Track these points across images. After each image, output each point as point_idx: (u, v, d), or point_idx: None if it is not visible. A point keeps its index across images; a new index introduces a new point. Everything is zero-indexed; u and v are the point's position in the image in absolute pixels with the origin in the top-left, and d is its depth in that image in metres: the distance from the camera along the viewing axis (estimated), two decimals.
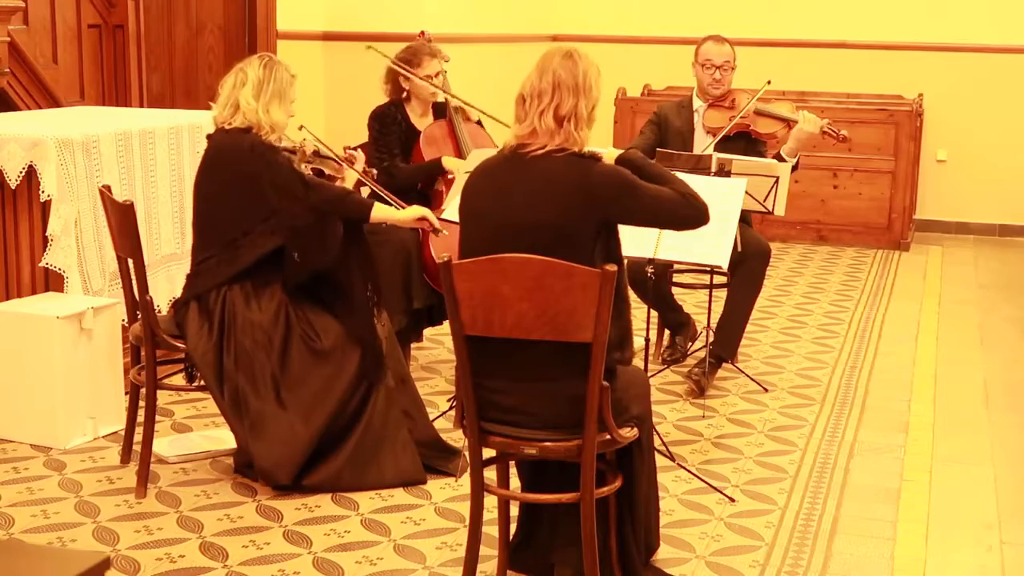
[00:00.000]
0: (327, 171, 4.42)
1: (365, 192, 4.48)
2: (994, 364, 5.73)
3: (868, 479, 4.27)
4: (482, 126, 5.38)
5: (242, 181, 3.91)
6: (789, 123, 5.30)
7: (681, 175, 4.27)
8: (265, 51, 6.92)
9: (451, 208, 4.45)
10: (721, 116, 5.35)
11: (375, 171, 4.75)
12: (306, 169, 4.22)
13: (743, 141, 5.25)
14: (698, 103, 5.45)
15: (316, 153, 4.38)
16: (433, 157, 5.13)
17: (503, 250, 2.98)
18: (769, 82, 5.45)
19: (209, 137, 4.06)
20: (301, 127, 4.45)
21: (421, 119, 5.22)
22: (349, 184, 4.39)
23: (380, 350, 4.02)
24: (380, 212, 4.15)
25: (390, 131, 5.09)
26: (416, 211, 4.30)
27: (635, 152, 3.39)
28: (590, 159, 3.12)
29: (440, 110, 5.29)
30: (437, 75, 5.15)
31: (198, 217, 4.05)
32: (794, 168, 5.16)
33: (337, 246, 4.06)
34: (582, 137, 3.12)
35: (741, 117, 5.27)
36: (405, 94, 5.20)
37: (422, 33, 5.47)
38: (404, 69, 5.10)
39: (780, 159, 5.14)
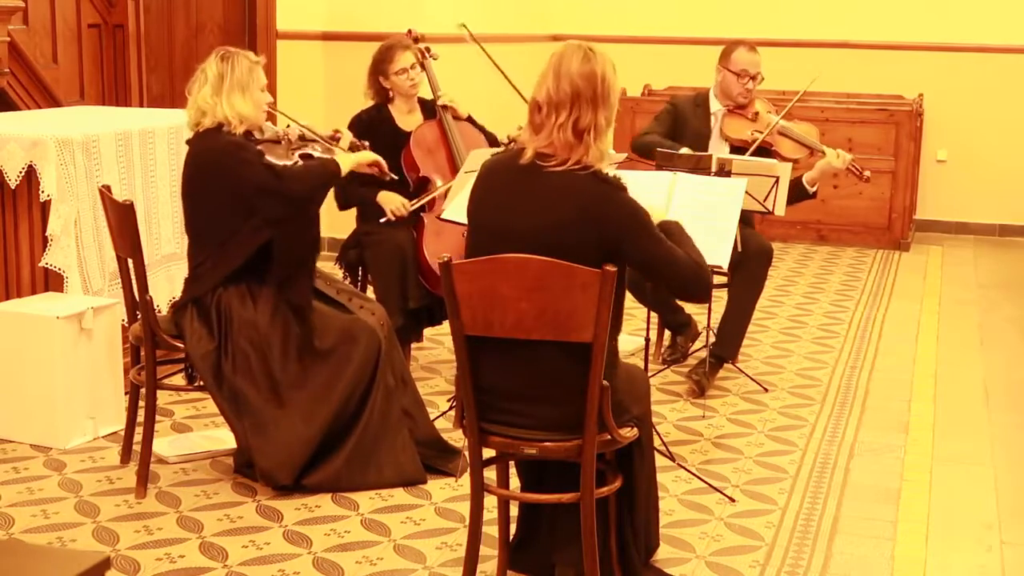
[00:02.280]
0: (316, 153, 4.43)
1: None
2: (994, 364, 5.73)
3: (868, 479, 4.27)
4: (473, 121, 5.34)
5: (221, 183, 3.90)
6: (814, 152, 5.27)
7: (681, 175, 4.29)
8: (264, 51, 6.94)
9: (451, 208, 4.45)
10: (742, 126, 5.30)
11: (366, 143, 4.75)
12: (293, 156, 4.21)
13: (759, 156, 5.19)
14: (716, 106, 5.40)
15: (302, 138, 4.37)
16: (424, 160, 5.09)
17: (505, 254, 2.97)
18: (815, 79, 5.42)
19: (188, 143, 4.05)
20: (288, 126, 4.45)
21: (408, 117, 5.20)
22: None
23: (311, 319, 3.97)
24: (344, 162, 4.20)
25: (366, 138, 5.04)
26: (370, 155, 4.38)
27: (677, 223, 3.33)
28: (614, 185, 3.03)
29: (429, 109, 5.27)
30: (413, 67, 5.12)
31: (189, 223, 4.06)
32: (812, 196, 5.14)
33: (316, 230, 4.08)
34: (601, 147, 3.04)
35: (767, 136, 5.23)
36: (389, 94, 5.18)
37: (409, 32, 5.44)
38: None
39: (799, 185, 5.11)
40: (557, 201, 3.01)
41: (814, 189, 5.17)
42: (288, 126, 4.40)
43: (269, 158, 4.04)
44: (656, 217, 3.28)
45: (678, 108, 5.44)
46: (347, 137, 4.55)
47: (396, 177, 4.58)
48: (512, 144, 3.16)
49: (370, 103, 5.23)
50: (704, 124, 5.36)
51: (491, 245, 3.03)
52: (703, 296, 3.24)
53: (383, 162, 4.42)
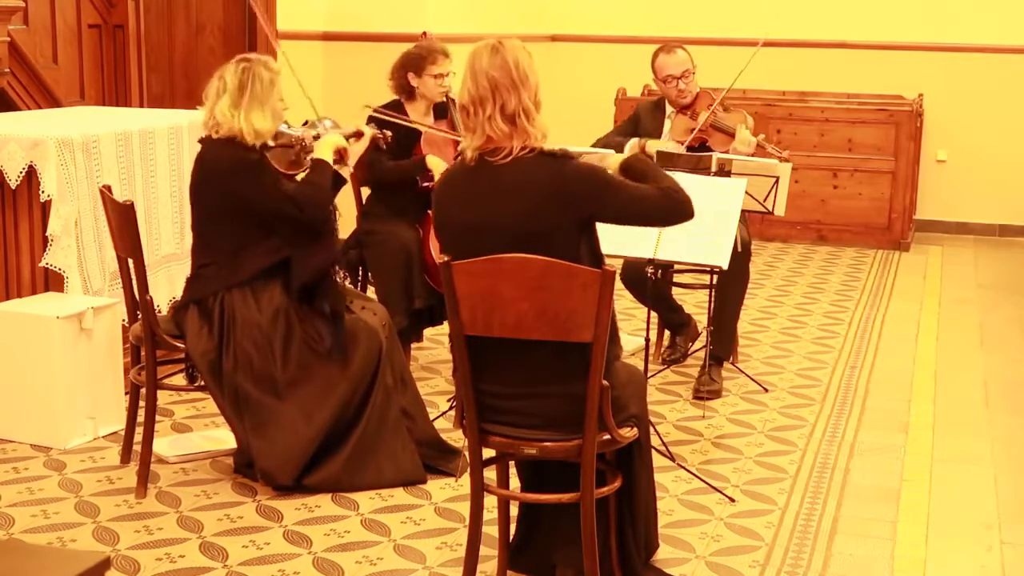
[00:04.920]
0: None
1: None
2: (994, 364, 5.73)
3: (868, 479, 4.27)
4: None
5: (234, 201, 3.90)
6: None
7: (680, 175, 4.29)
8: (264, 51, 6.93)
9: None
10: (686, 126, 5.34)
11: (388, 132, 4.73)
12: (306, 161, 4.20)
13: (705, 152, 5.22)
14: (670, 109, 5.48)
15: (317, 139, 4.37)
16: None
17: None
18: (761, 44, 5.37)
19: (200, 141, 4.05)
20: (306, 122, 4.43)
21: (423, 118, 5.21)
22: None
23: (345, 327, 3.98)
24: (324, 154, 4.10)
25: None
26: (339, 141, 4.24)
27: (639, 157, 3.37)
28: (563, 157, 3.08)
29: (441, 110, 5.28)
30: (448, 75, 5.14)
31: (196, 222, 4.05)
32: None
33: (335, 246, 4.08)
34: (538, 128, 3.08)
35: (700, 131, 5.26)
36: (414, 92, 5.17)
37: (424, 34, 5.47)
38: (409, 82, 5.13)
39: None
40: (517, 191, 3.04)
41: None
42: (306, 122, 4.38)
43: (277, 167, 4.04)
44: (614, 162, 3.32)
45: (638, 112, 5.54)
46: (368, 133, 4.51)
47: (350, 169, 4.44)
48: (459, 156, 3.20)
49: (387, 97, 5.23)
50: (658, 125, 5.42)
51: (464, 247, 3.03)
52: (686, 215, 3.23)
53: (347, 148, 4.28)
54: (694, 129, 5.26)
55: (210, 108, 3.95)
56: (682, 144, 5.26)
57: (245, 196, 3.88)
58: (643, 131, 5.40)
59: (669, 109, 5.46)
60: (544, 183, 3.03)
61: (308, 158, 4.21)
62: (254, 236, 3.93)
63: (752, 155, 5.16)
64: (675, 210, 3.21)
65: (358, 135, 4.43)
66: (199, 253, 4.03)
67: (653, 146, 5.21)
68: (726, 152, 5.23)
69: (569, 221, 3.04)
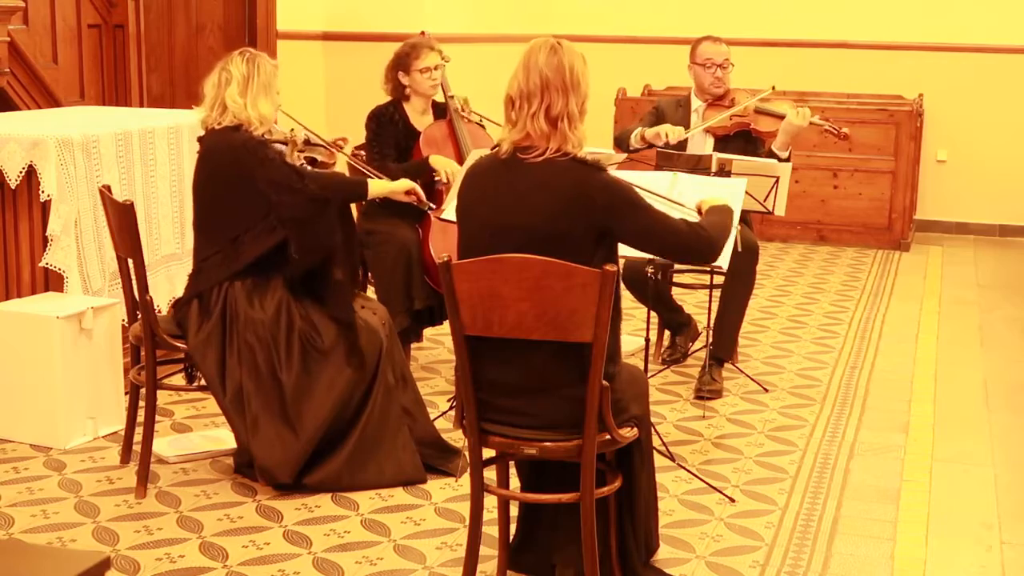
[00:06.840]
0: (319, 158, 4.47)
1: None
2: (994, 364, 5.73)
3: (868, 479, 4.27)
4: (482, 126, 5.38)
5: (239, 180, 3.91)
6: (784, 118, 5.29)
7: (681, 175, 4.29)
8: (264, 51, 6.93)
9: (451, 208, 4.45)
10: (721, 115, 5.34)
11: (363, 153, 4.78)
12: (299, 158, 4.23)
13: (741, 140, 5.25)
14: (697, 103, 5.45)
15: (307, 142, 4.41)
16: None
17: (502, 253, 2.98)
18: (773, 88, 5.44)
19: (200, 140, 4.05)
20: (292, 130, 4.45)
21: (421, 117, 5.22)
22: (339, 169, 4.48)
23: (357, 334, 4.00)
24: (376, 187, 4.39)
25: (386, 132, 5.09)
26: (406, 183, 4.56)
27: (723, 208, 3.45)
28: (593, 167, 3.08)
29: (441, 110, 5.29)
30: (436, 68, 5.15)
31: (199, 217, 4.05)
32: (786, 161, 5.15)
33: (336, 234, 4.09)
34: (577, 135, 3.09)
35: (741, 116, 5.26)
36: (406, 91, 5.20)
37: (423, 34, 5.48)
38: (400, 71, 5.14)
39: (772, 156, 5.14)
40: (542, 192, 3.04)
41: (786, 154, 5.18)
42: (292, 130, 4.42)
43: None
44: (707, 201, 3.46)
45: (661, 108, 5.51)
46: (350, 146, 4.58)
47: (433, 206, 4.65)
48: (497, 147, 3.21)
49: (386, 99, 5.25)
50: (684, 120, 5.39)
51: (485, 244, 3.04)
52: (707, 257, 3.26)
53: (420, 191, 4.58)
54: (734, 114, 5.25)
55: (212, 100, 3.97)
56: (717, 131, 5.25)
57: (251, 168, 3.89)
58: (668, 124, 5.39)
59: (696, 103, 5.45)
60: (567, 187, 3.03)
61: (301, 156, 4.25)
62: (254, 216, 3.92)
63: (803, 131, 5.19)
64: (696, 249, 3.24)
65: (339, 145, 4.56)
66: (201, 249, 4.03)
67: (674, 134, 5.18)
68: (773, 135, 5.24)
69: (585, 229, 3.02)
